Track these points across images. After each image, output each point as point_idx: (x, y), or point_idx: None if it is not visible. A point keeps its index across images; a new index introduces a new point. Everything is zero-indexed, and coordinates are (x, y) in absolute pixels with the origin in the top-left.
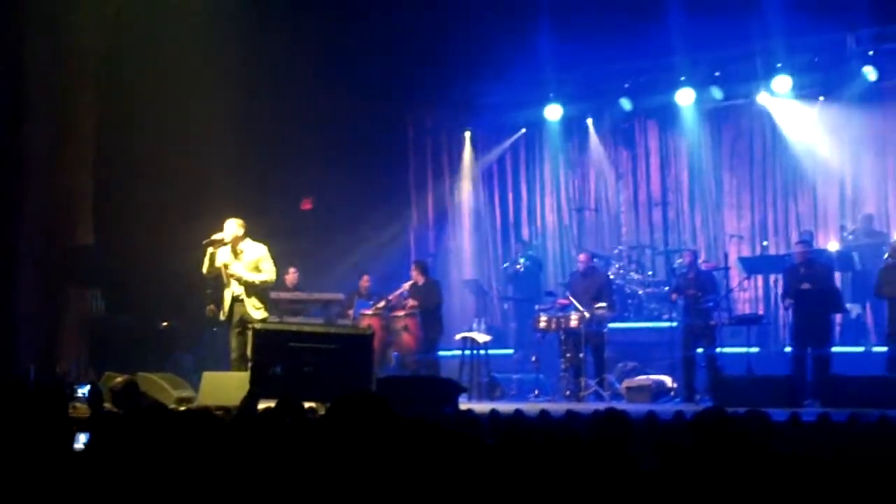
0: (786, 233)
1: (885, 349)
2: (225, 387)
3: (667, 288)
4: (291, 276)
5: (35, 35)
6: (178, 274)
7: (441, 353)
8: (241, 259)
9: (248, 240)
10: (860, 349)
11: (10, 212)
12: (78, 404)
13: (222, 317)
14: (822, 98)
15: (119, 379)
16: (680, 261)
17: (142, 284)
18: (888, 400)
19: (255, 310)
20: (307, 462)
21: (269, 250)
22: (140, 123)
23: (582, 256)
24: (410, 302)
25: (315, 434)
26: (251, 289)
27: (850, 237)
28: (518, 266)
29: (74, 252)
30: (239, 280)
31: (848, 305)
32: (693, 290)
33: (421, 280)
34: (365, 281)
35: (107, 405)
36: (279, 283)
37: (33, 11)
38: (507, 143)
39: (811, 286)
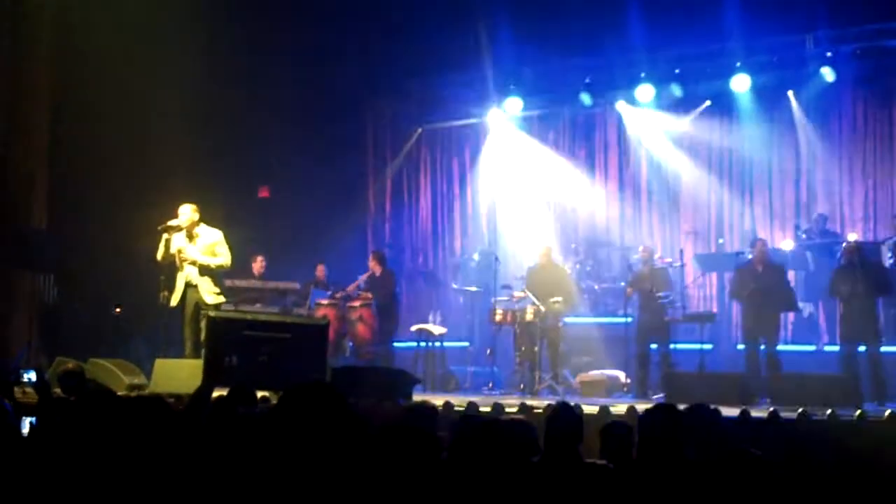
0: (741, 230)
1: (836, 348)
2: (177, 374)
3: (623, 283)
4: (258, 264)
5: None
6: (132, 260)
7: (396, 344)
8: (196, 244)
9: (203, 225)
10: (812, 348)
11: None
12: (28, 389)
13: (174, 303)
14: (779, 94)
15: (69, 364)
16: (636, 256)
17: (95, 270)
18: (838, 398)
19: (210, 294)
20: (257, 451)
21: (225, 237)
22: (95, 109)
23: (543, 250)
24: (366, 293)
25: (266, 424)
26: (206, 273)
27: (804, 236)
28: (474, 257)
29: (27, 237)
30: (194, 263)
31: (800, 304)
32: (649, 286)
33: (378, 270)
34: (321, 270)
35: (56, 391)
36: (245, 271)
37: None
38: (466, 136)
39: (764, 284)
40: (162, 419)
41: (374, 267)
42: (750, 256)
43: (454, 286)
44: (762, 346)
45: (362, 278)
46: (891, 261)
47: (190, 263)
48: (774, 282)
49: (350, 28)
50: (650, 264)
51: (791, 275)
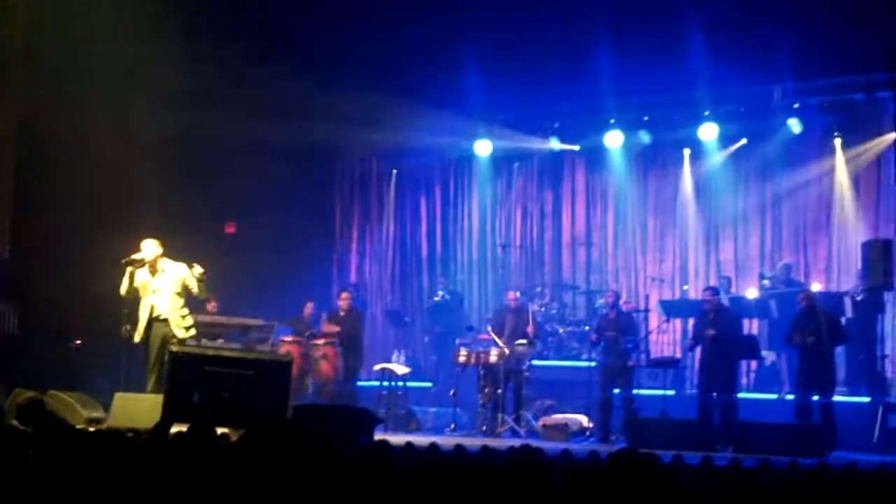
0: (706, 277)
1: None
2: (137, 409)
3: (587, 327)
4: (211, 307)
5: None
6: (94, 292)
7: (359, 383)
8: (161, 278)
9: (166, 259)
10: (773, 396)
11: None
12: None
13: (137, 338)
14: (746, 146)
15: (27, 395)
16: (602, 301)
17: (57, 301)
18: (796, 447)
19: (180, 328)
20: (215, 488)
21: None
22: (63, 138)
23: (511, 294)
24: (331, 329)
25: (225, 460)
26: (177, 307)
27: (768, 284)
28: (437, 298)
29: None
30: (164, 293)
31: (763, 352)
32: (613, 332)
33: (345, 308)
34: (308, 308)
35: (13, 422)
36: (200, 309)
37: None
38: (435, 176)
39: (717, 333)
40: (120, 453)
41: (342, 304)
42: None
43: (420, 328)
44: (715, 394)
45: (326, 320)
46: (852, 313)
47: (161, 295)
48: (726, 330)
49: (324, 70)
50: (615, 309)
51: (755, 323)
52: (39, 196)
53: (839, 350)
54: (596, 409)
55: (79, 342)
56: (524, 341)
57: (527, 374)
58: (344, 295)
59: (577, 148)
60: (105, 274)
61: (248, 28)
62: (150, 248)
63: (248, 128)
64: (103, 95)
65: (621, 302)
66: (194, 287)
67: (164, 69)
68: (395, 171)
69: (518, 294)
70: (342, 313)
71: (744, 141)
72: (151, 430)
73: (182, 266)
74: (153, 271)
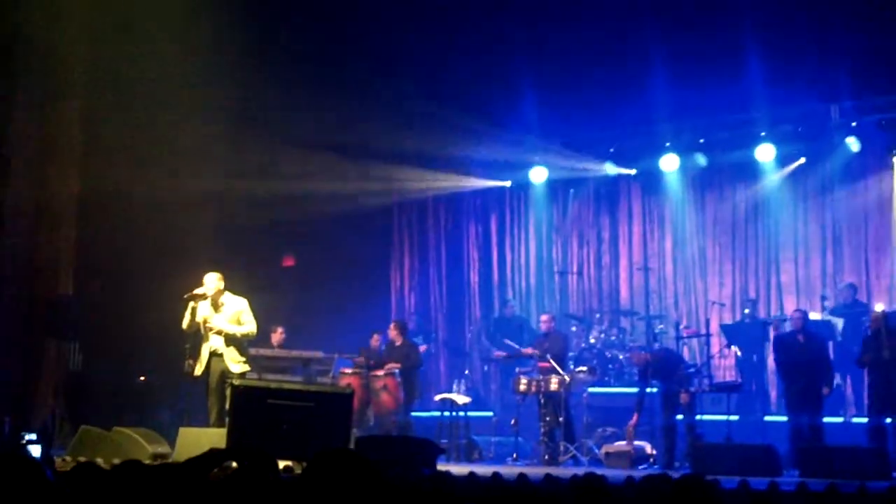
0: (767, 301)
1: (864, 420)
2: (201, 442)
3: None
4: (278, 335)
5: (19, 88)
6: (157, 328)
7: (417, 413)
8: (222, 312)
9: (227, 293)
10: (839, 419)
11: None
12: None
13: (198, 372)
14: (804, 166)
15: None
16: (660, 327)
17: (121, 338)
18: (867, 471)
19: (235, 363)
20: None
21: (250, 305)
22: (124, 176)
23: (544, 317)
24: (391, 363)
25: (292, 492)
26: (232, 342)
27: (828, 304)
28: (507, 310)
29: (54, 304)
30: (220, 333)
31: None
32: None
33: (399, 340)
34: (375, 340)
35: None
36: (264, 341)
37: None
38: (491, 204)
39: (809, 356)
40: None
41: (395, 336)
42: (789, 327)
43: (480, 356)
44: (804, 418)
45: (377, 346)
46: None
47: (216, 333)
48: (817, 353)
49: (380, 100)
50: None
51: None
52: (101, 235)
53: None
54: (659, 436)
55: (143, 378)
56: (584, 368)
57: (563, 398)
58: (396, 326)
59: (632, 172)
60: (169, 309)
61: (300, 57)
62: (211, 282)
63: (304, 159)
64: (160, 130)
65: (681, 327)
66: (249, 324)
67: (220, 103)
68: (446, 197)
69: (551, 317)
70: (396, 344)
71: (802, 160)
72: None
73: (241, 300)
74: (215, 306)
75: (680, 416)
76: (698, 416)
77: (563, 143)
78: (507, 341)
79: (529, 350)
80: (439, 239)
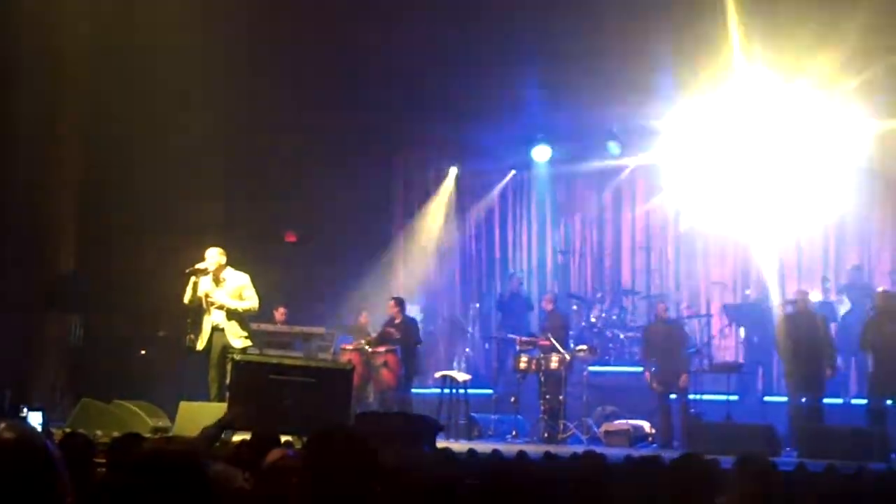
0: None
1: (864, 401)
2: (202, 417)
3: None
4: (280, 314)
5: (22, 54)
6: (158, 302)
7: (418, 390)
8: (224, 287)
9: (229, 269)
10: (839, 401)
11: None
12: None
13: (200, 346)
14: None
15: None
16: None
17: (122, 312)
18: (865, 452)
19: (237, 338)
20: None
21: (252, 280)
22: (125, 150)
23: (546, 297)
24: (391, 336)
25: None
26: (233, 316)
27: (829, 286)
28: (513, 286)
29: (55, 278)
30: (221, 307)
31: None
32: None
33: (399, 317)
34: (364, 318)
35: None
36: (266, 317)
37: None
38: (494, 182)
39: (811, 337)
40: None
41: (395, 313)
42: (791, 309)
43: (480, 333)
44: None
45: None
46: None
47: (217, 307)
48: (817, 334)
49: (382, 74)
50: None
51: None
52: (103, 209)
53: None
54: (657, 415)
55: (144, 351)
56: (583, 347)
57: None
58: (396, 303)
59: (636, 152)
60: (170, 284)
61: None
62: (213, 257)
63: (308, 137)
64: (166, 107)
65: (682, 307)
66: (251, 300)
67: (228, 82)
68: (451, 175)
69: (551, 298)
70: (395, 321)
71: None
72: (201, 433)
73: (243, 276)
74: (217, 281)
75: (673, 396)
76: (697, 396)
77: (567, 122)
78: (512, 335)
79: (541, 340)
80: (442, 218)
